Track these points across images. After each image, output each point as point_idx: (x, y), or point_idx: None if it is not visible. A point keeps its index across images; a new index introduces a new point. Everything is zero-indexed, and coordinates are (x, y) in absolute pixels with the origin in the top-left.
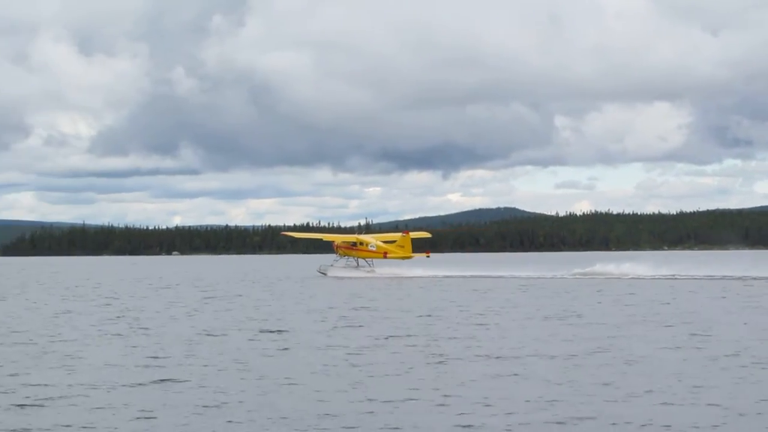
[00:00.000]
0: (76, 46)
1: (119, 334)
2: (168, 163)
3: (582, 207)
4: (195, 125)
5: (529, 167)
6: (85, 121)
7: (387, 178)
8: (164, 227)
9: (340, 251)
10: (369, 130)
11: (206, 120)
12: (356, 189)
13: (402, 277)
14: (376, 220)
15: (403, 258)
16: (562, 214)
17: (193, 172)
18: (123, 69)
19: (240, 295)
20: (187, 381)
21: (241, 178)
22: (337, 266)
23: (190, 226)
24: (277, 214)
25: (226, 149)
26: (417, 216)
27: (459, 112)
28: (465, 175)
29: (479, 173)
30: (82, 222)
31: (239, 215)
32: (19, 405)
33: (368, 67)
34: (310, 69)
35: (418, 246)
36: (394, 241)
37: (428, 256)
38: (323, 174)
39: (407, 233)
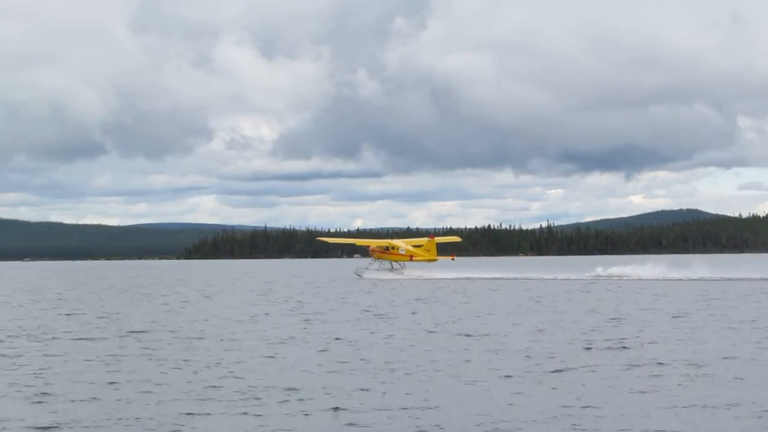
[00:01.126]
0: (258, 49)
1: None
2: (350, 165)
3: (766, 208)
4: (377, 128)
5: (711, 168)
6: (267, 124)
7: (568, 179)
8: (345, 230)
9: (375, 255)
10: (551, 132)
11: (388, 122)
12: (538, 191)
13: (469, 279)
14: (557, 222)
15: (429, 260)
16: (745, 215)
17: (375, 174)
18: (305, 72)
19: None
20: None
21: (422, 180)
22: (372, 268)
23: (371, 229)
24: (458, 216)
25: (408, 151)
26: (599, 218)
27: (641, 113)
28: (647, 176)
29: (662, 174)
30: (264, 225)
31: (420, 218)
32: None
33: (550, 68)
34: (492, 70)
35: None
36: (421, 245)
37: (453, 259)
38: (505, 176)
39: (432, 238)
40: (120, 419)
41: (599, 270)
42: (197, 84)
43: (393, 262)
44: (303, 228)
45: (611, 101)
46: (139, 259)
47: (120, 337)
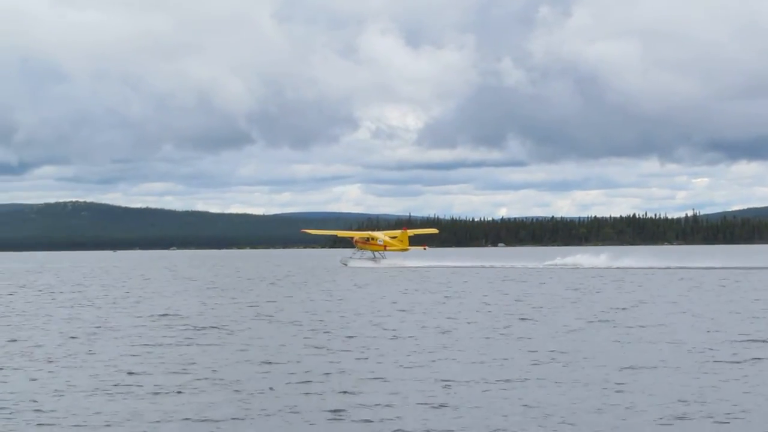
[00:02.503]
0: (403, 38)
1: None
2: (494, 154)
3: None
4: (521, 116)
5: None
6: (413, 113)
7: (714, 168)
8: (489, 219)
9: (358, 245)
10: (697, 120)
11: (533, 111)
12: (683, 180)
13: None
14: (702, 212)
15: (401, 250)
16: None
17: (519, 163)
18: (450, 60)
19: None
20: None
21: (567, 169)
22: (355, 257)
23: (515, 218)
24: (602, 205)
25: (553, 140)
26: (745, 206)
27: None
28: None
29: None
30: (408, 214)
31: (564, 206)
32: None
33: (696, 55)
34: (638, 58)
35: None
36: (396, 237)
37: (425, 249)
38: (650, 165)
39: (405, 230)
40: None
41: (558, 259)
42: (343, 73)
43: (375, 252)
44: (447, 217)
45: (758, 89)
46: (283, 248)
47: None
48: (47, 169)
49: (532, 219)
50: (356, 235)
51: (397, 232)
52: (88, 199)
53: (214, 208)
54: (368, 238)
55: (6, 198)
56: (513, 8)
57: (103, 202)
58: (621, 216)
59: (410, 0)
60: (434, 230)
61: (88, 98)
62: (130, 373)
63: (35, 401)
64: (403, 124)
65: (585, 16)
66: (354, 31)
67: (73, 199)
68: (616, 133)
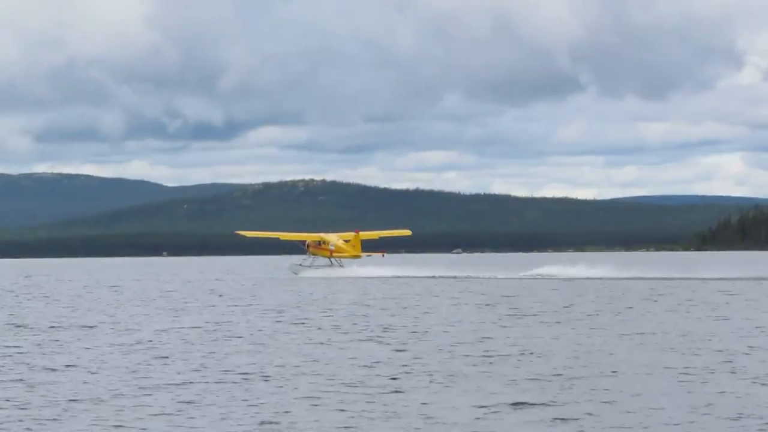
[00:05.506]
0: None
1: None
2: None
3: None
4: None
5: None
6: None
7: None
8: None
9: (310, 250)
10: None
11: None
12: None
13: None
14: None
15: (353, 257)
16: None
17: None
18: None
19: None
20: None
21: None
22: (305, 265)
23: None
24: None
25: None
26: None
27: None
28: None
29: None
30: None
31: None
32: None
33: None
34: None
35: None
36: (348, 241)
37: (383, 256)
38: None
39: (357, 232)
40: None
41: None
42: None
43: (332, 258)
44: None
45: None
46: None
47: None
48: None
49: None
50: (308, 238)
51: (350, 235)
52: None
53: None
54: (320, 241)
55: None
56: None
57: None
58: None
59: None
60: (407, 232)
61: None
62: None
63: None
64: None
65: None
66: None
67: None
68: None
